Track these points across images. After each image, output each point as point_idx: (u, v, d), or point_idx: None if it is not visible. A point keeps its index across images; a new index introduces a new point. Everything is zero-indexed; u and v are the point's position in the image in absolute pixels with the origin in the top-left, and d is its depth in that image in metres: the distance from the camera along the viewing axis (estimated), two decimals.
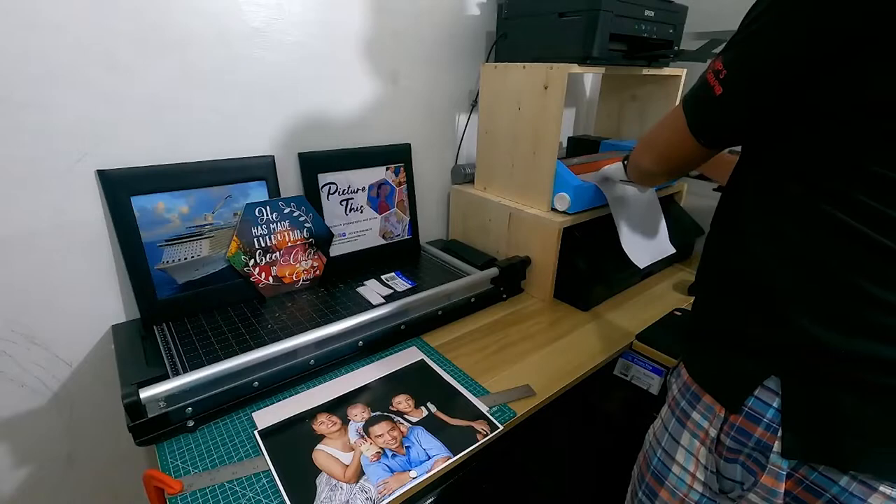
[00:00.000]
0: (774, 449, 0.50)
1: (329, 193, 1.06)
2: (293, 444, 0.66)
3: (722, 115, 0.55)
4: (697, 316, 0.64)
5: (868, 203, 0.45)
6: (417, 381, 0.80)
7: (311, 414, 0.72)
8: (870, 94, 0.43)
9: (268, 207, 0.94)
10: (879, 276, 0.45)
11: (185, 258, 0.88)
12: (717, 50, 1.00)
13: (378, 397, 0.76)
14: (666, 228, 1.13)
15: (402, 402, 0.75)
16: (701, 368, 0.59)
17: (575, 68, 0.95)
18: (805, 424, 0.49)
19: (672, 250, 1.13)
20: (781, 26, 0.46)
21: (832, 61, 0.44)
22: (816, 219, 0.48)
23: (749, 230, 0.54)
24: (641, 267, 1.04)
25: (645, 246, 1.08)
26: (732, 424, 0.54)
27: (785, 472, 0.51)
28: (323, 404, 0.74)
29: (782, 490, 0.51)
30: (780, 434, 0.50)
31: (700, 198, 1.32)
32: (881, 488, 0.46)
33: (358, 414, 0.72)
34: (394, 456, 0.65)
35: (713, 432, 0.56)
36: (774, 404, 0.50)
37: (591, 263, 1.04)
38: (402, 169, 1.17)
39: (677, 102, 1.25)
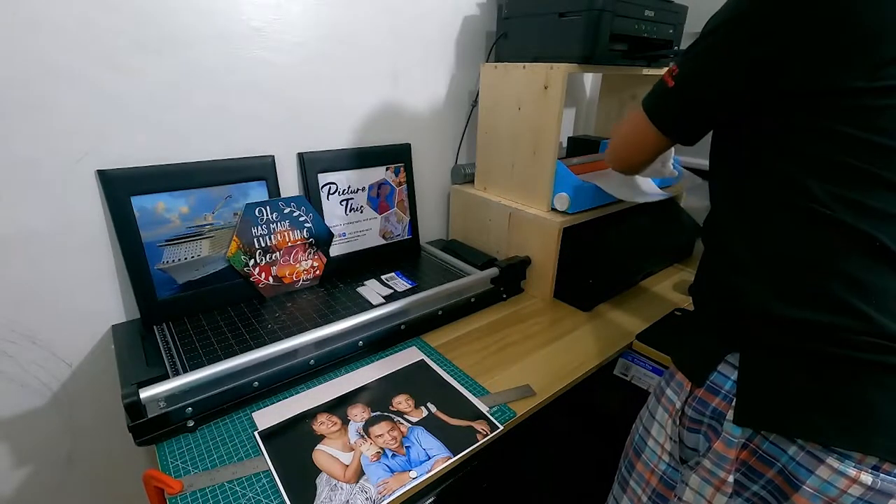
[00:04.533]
0: (728, 417, 0.53)
1: (329, 193, 1.06)
2: (293, 444, 0.66)
3: (676, 104, 0.62)
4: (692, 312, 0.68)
5: (820, 185, 0.49)
6: (417, 381, 0.80)
7: (311, 414, 0.72)
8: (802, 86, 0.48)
9: (268, 207, 0.94)
10: (825, 249, 0.49)
11: (185, 258, 0.88)
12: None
13: (378, 397, 0.76)
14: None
15: (402, 402, 0.75)
16: (678, 351, 0.64)
17: (575, 68, 0.95)
18: (756, 393, 0.52)
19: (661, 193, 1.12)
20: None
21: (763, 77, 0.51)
22: (774, 200, 0.52)
23: (718, 212, 0.60)
24: (625, 199, 1.06)
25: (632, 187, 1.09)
26: (695, 396, 0.58)
27: (737, 441, 0.53)
28: (323, 404, 0.74)
29: (732, 457, 0.53)
30: (734, 403, 0.53)
31: (701, 198, 1.32)
32: (828, 460, 0.47)
33: (358, 414, 0.72)
34: (394, 456, 0.65)
35: (679, 404, 0.60)
36: (733, 377, 0.54)
37: (590, 263, 1.04)
38: (402, 169, 1.17)
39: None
